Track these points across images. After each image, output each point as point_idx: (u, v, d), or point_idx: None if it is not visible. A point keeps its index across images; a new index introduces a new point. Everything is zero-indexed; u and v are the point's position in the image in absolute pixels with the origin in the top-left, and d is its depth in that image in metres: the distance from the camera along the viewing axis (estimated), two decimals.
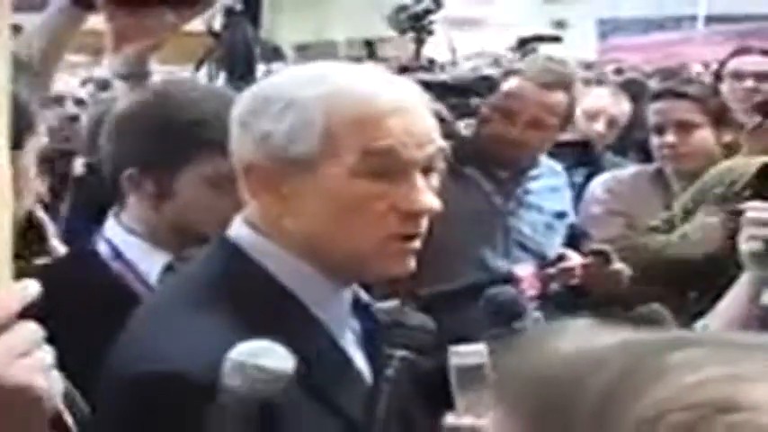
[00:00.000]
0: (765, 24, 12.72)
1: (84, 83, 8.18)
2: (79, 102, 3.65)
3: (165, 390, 1.31)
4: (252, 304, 1.39)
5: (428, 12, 3.45)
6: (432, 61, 3.11)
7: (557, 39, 8.34)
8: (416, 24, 3.45)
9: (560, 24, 16.21)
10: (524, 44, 5.43)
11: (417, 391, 1.57)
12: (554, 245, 3.07)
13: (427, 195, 1.45)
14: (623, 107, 4.52)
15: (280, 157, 1.42)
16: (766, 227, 1.99)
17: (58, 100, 3.79)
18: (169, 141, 1.83)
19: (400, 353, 1.46)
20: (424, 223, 1.47)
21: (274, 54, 3.57)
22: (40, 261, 2.27)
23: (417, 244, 1.47)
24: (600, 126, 4.35)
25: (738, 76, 3.96)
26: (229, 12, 2.61)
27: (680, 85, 3.35)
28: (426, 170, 1.46)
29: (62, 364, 1.42)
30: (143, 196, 1.91)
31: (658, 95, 3.32)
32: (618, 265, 2.88)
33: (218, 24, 2.65)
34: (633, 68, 8.96)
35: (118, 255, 1.93)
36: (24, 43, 2.01)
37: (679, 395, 0.59)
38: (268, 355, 1.18)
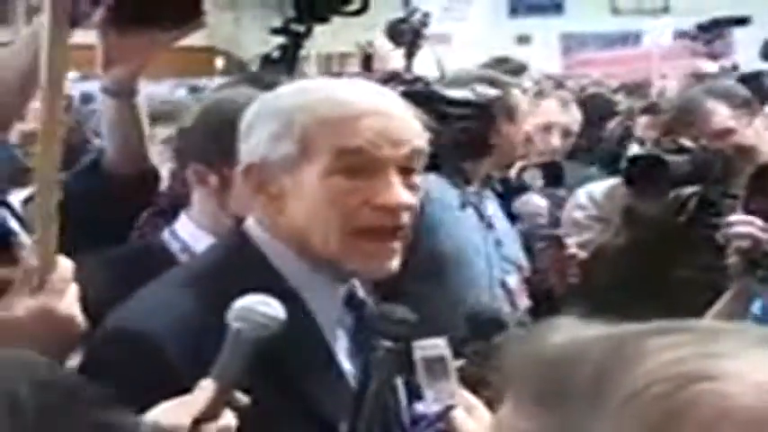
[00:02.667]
0: (729, 42, 12.87)
1: None
2: None
3: (122, 343, 1.47)
4: (244, 289, 1.47)
5: (423, 25, 3.51)
6: (418, 78, 3.11)
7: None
8: (414, 39, 3.48)
9: (524, 39, 16.32)
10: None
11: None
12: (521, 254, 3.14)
13: (400, 190, 1.54)
14: (574, 115, 4.58)
15: (266, 159, 1.56)
16: (746, 239, 2.10)
17: None
18: (227, 139, 1.92)
19: (386, 343, 1.54)
20: (403, 218, 1.55)
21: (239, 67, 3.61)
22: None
23: (398, 243, 1.55)
24: (555, 139, 4.41)
25: None
26: (266, 59, 2.67)
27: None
28: (405, 170, 1.55)
29: None
30: (209, 192, 2.03)
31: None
32: (573, 250, 3.00)
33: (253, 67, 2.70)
34: (597, 83, 9.06)
35: (186, 248, 2.04)
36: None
37: (658, 370, 0.67)
38: (267, 304, 1.39)
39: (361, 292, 1.66)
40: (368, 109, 1.54)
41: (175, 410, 1.28)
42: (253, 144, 1.59)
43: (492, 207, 3.15)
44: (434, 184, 2.85)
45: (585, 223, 3.41)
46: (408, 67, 3.58)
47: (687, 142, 2.58)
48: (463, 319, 1.73)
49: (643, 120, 3.44)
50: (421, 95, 2.74)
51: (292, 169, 1.54)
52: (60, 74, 1.63)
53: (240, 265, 1.58)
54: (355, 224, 1.53)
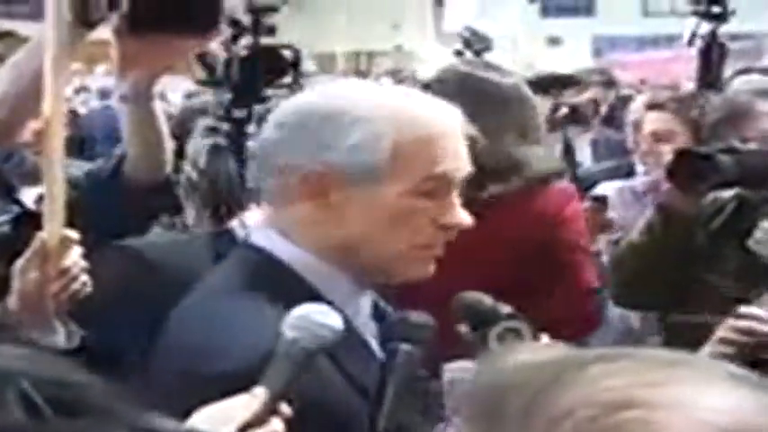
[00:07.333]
0: (760, 43, 12.77)
1: (78, 91, 8.15)
2: (70, 113, 3.52)
3: (236, 386, 1.33)
4: (287, 303, 1.40)
5: (479, 54, 4.00)
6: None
7: None
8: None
9: (555, 41, 16.30)
10: None
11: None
12: None
13: (461, 211, 1.53)
14: None
15: (338, 168, 1.47)
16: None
17: None
18: None
19: (405, 347, 1.50)
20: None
21: None
22: None
23: (440, 251, 1.54)
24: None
25: None
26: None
27: None
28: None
29: None
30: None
31: None
32: (613, 214, 3.06)
33: None
34: (628, 86, 9.02)
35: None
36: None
37: (588, 396, 0.67)
38: (325, 314, 1.34)
39: (380, 301, 1.63)
40: (446, 129, 1.51)
41: (222, 415, 1.25)
42: (312, 147, 1.48)
43: None
44: None
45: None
46: None
47: (736, 143, 2.52)
48: (461, 311, 1.68)
49: (652, 116, 3.36)
50: None
51: (369, 183, 1.47)
52: (63, 70, 1.84)
53: (270, 279, 1.51)
54: (417, 242, 1.51)
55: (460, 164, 1.52)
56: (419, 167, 1.48)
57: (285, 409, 1.29)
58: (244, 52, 2.68)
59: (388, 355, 1.54)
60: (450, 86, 2.29)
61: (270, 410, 1.27)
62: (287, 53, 2.70)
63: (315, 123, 1.49)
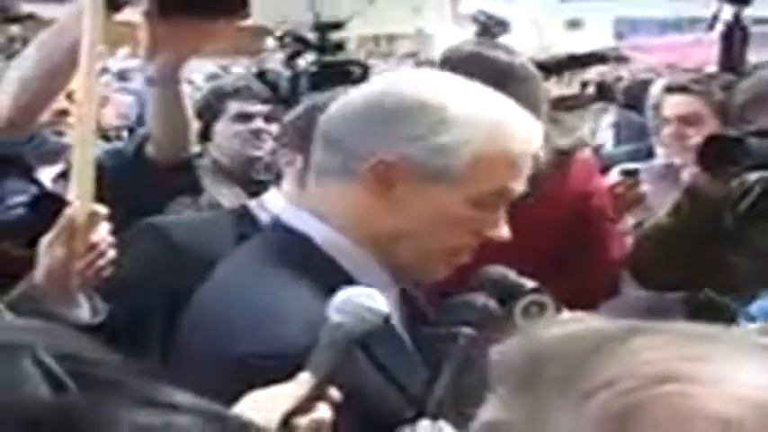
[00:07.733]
0: None
1: (99, 73, 8.24)
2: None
3: (265, 367, 1.32)
4: (317, 285, 1.41)
5: (497, 35, 3.95)
6: None
7: None
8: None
9: (576, 24, 16.23)
10: None
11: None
12: None
13: (504, 227, 1.50)
14: None
15: (414, 162, 1.44)
16: None
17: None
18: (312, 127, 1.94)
19: (466, 330, 1.49)
20: None
21: None
22: None
23: (467, 257, 1.52)
24: None
25: None
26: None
27: None
28: None
29: None
30: (294, 172, 2.01)
31: None
32: (645, 187, 2.96)
33: None
34: (650, 69, 8.98)
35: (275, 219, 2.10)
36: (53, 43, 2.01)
37: (629, 368, 0.67)
38: (371, 297, 1.32)
39: (407, 286, 1.62)
40: (528, 147, 1.49)
41: (268, 402, 1.23)
42: (397, 137, 1.44)
43: None
44: None
45: None
46: None
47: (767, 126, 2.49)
48: (485, 285, 1.67)
49: (674, 99, 3.33)
50: None
51: (439, 182, 1.44)
52: (95, 51, 1.84)
53: (303, 259, 1.48)
54: (453, 245, 1.49)
55: (523, 180, 1.49)
56: (492, 180, 1.46)
57: (334, 393, 1.27)
58: (313, 68, 2.66)
59: (447, 338, 1.52)
60: (458, 65, 2.28)
61: (316, 396, 1.26)
62: (355, 69, 2.68)
63: (403, 113, 1.45)
